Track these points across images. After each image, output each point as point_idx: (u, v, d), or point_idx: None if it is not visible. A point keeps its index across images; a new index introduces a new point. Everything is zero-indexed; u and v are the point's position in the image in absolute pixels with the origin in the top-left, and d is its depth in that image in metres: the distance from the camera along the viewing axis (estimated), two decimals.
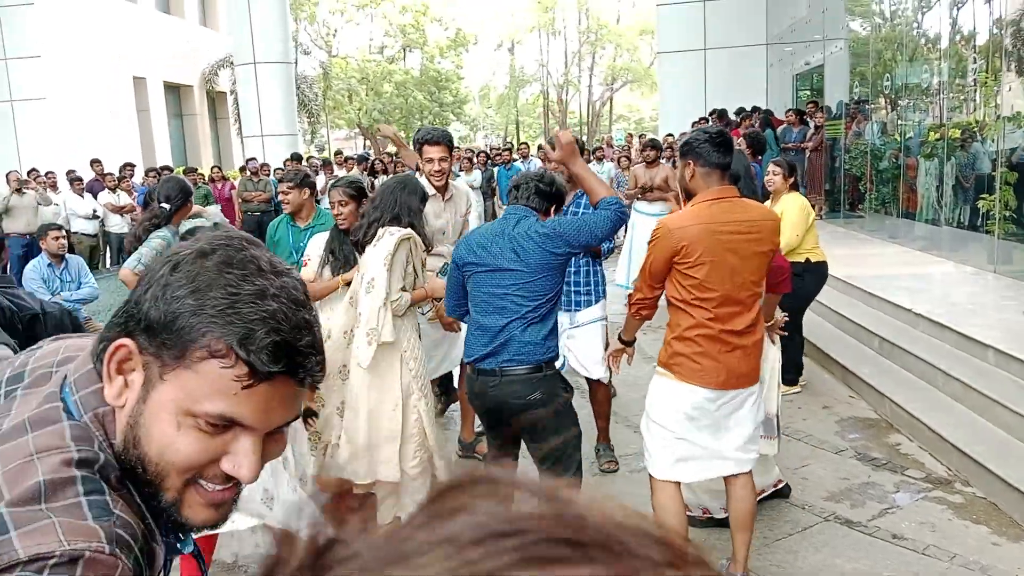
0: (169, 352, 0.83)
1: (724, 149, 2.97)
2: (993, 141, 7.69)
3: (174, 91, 25.09)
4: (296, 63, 21.73)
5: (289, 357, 0.83)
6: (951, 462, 4.28)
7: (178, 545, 0.94)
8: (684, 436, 3.02)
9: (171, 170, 13.40)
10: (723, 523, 3.68)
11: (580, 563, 0.32)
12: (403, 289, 3.49)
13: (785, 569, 3.37)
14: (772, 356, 3.77)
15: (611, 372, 3.87)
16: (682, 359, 2.98)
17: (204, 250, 0.85)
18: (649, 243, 3.04)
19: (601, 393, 4.47)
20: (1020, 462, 3.96)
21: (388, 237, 3.43)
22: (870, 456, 4.50)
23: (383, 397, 3.55)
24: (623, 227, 3.64)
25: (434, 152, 4.20)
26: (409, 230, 3.50)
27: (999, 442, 4.24)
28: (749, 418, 3.09)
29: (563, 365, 4.34)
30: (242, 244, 0.87)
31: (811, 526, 3.73)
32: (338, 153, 16.46)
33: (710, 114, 13.23)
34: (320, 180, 12.85)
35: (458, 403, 4.92)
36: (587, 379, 4.46)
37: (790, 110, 12.64)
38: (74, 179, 11.97)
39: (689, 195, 3.07)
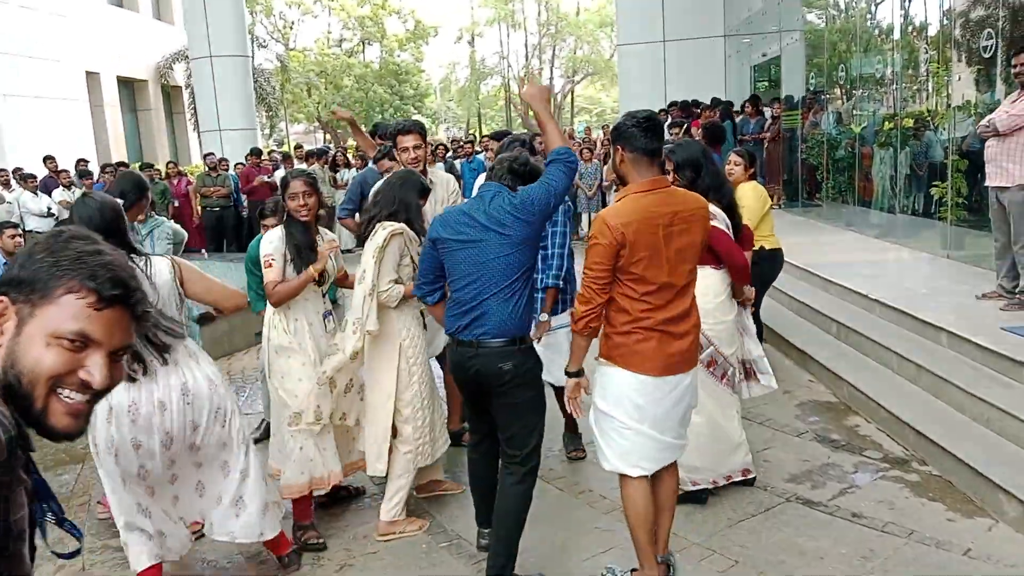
0: (36, 295, 1.17)
1: (652, 134, 2.91)
2: (945, 130, 7.89)
3: (128, 85, 24.60)
4: (252, 56, 21.45)
5: (124, 287, 1.20)
6: (908, 442, 4.40)
7: (47, 508, 1.22)
8: (632, 425, 2.98)
9: (127, 166, 13.14)
10: (695, 496, 3.80)
11: None
12: (397, 281, 3.63)
13: (748, 549, 3.44)
14: (748, 321, 4.07)
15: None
16: (624, 349, 2.95)
17: (57, 232, 1.24)
18: (589, 242, 2.95)
19: None
20: (973, 441, 4.09)
21: (380, 231, 3.60)
22: (829, 438, 4.60)
23: (378, 388, 3.73)
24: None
25: (408, 141, 4.28)
26: (401, 224, 3.63)
27: (953, 422, 4.37)
28: (686, 402, 3.08)
29: None
30: (88, 234, 1.25)
31: (773, 507, 3.81)
32: (298, 147, 16.28)
33: (669, 106, 13.35)
34: (280, 174, 12.74)
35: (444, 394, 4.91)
36: None
37: (745, 101, 12.80)
38: (26, 176, 11.70)
39: (624, 182, 3.02)
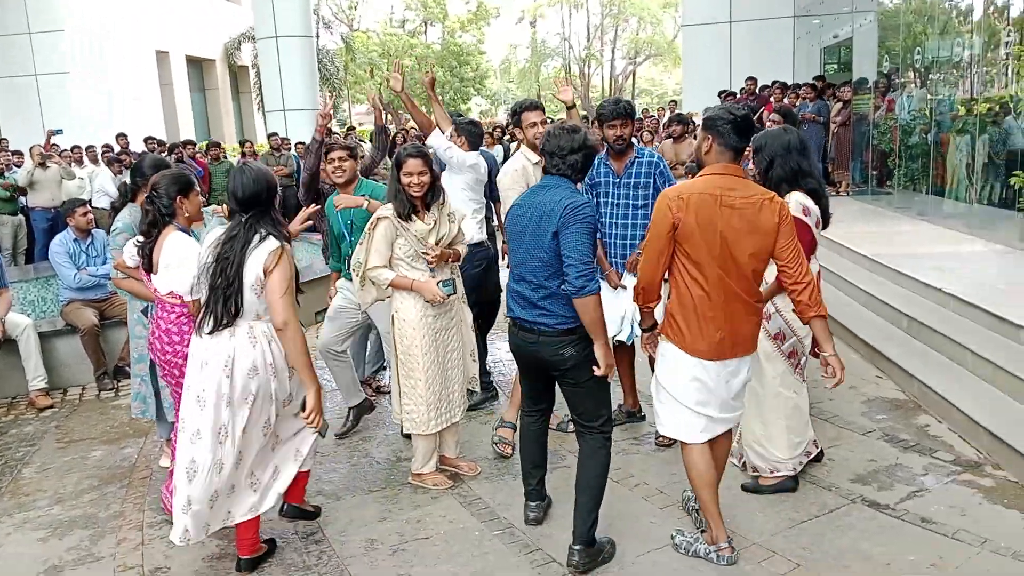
0: None
1: (744, 136, 3.04)
2: None
3: (196, 65, 25.11)
4: (317, 37, 21.61)
5: None
6: (981, 445, 4.21)
7: None
8: (685, 400, 3.13)
9: (193, 145, 13.28)
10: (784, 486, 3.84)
11: None
12: (385, 267, 3.86)
13: (811, 552, 3.33)
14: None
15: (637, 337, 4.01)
16: (680, 329, 3.07)
17: None
18: (651, 220, 3.10)
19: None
20: None
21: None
22: (898, 438, 4.44)
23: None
24: None
25: (534, 116, 4.59)
26: (387, 208, 3.87)
27: None
28: (741, 380, 3.19)
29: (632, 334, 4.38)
30: None
31: (837, 508, 3.68)
32: (351, 129, 16.33)
33: (747, 81, 13.01)
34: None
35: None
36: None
37: (805, 84, 12.40)
38: (111, 157, 11.84)
39: (701, 167, 3.14)
